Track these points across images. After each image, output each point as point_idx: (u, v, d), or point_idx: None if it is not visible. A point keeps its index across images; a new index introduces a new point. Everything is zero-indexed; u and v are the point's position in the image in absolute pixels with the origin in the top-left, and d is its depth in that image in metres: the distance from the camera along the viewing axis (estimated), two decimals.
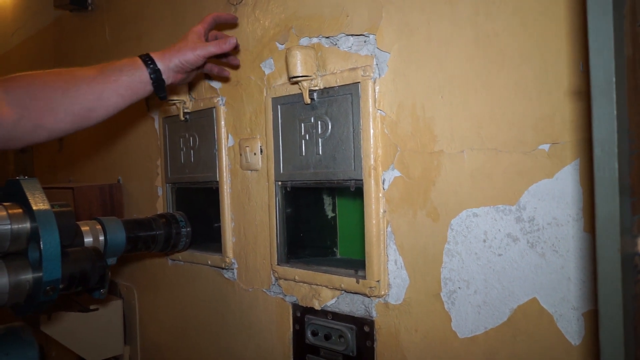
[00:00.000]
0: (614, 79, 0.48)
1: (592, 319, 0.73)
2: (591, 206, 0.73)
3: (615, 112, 0.48)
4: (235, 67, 1.24)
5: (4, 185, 0.95)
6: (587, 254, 0.74)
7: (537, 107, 0.77)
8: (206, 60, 1.10)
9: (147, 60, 1.02)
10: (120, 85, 0.99)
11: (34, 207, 0.88)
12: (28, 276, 0.88)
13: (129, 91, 1.00)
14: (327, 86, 1.04)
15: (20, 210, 0.89)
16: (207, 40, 1.11)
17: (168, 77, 1.04)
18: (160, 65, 1.02)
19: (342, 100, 1.02)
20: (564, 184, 0.75)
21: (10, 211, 0.88)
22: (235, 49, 1.19)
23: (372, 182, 0.97)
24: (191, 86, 1.39)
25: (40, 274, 0.87)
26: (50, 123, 0.95)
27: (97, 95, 0.98)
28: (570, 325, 0.76)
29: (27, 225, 0.88)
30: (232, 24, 1.23)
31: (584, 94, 0.71)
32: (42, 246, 0.86)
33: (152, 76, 1.01)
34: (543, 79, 0.77)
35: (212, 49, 1.07)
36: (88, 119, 0.99)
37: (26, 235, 0.88)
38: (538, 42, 0.77)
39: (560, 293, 0.77)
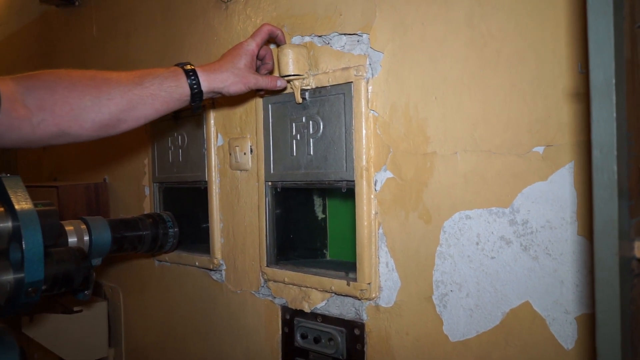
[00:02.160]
0: (613, 81, 0.47)
1: (586, 323, 0.73)
2: (586, 209, 0.72)
3: (614, 114, 0.47)
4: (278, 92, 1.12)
5: None
6: (581, 258, 0.73)
7: (532, 109, 0.77)
8: None
9: (192, 77, 0.94)
10: (157, 99, 0.91)
11: (17, 206, 0.86)
12: (9, 277, 0.85)
13: (164, 106, 0.93)
14: (319, 86, 1.03)
15: (1, 209, 0.86)
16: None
17: (207, 97, 0.97)
18: (203, 86, 0.94)
19: (334, 100, 1.01)
20: (558, 186, 0.75)
21: None
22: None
23: (364, 183, 0.96)
24: None
25: (22, 275, 0.84)
26: (74, 130, 0.87)
27: (131, 107, 0.90)
28: (563, 329, 0.75)
29: (9, 224, 0.85)
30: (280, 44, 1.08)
31: (580, 96, 0.71)
32: (24, 246, 0.84)
33: (192, 100, 0.95)
34: (538, 81, 0.76)
35: (264, 85, 1.01)
36: (115, 129, 0.91)
37: (7, 235, 0.86)
38: (534, 44, 0.76)
39: (553, 297, 0.76)
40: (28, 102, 0.83)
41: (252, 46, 0.99)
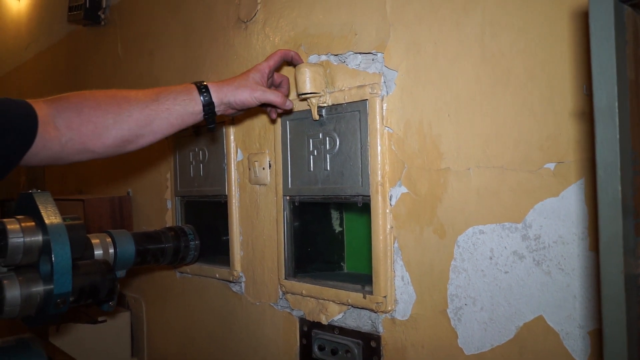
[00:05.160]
0: (616, 103, 0.49)
1: (598, 337, 0.73)
2: (596, 226, 0.73)
3: (617, 135, 0.49)
4: (289, 112, 1.15)
5: (17, 198, 0.97)
6: (593, 273, 0.74)
7: (542, 126, 0.78)
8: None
9: (203, 91, 0.98)
10: (172, 113, 0.96)
11: (46, 221, 0.90)
12: (39, 289, 0.89)
13: (179, 120, 0.97)
14: (336, 103, 1.05)
15: (32, 224, 0.91)
16: (270, 78, 1.06)
17: (219, 111, 1.00)
18: (215, 98, 0.98)
19: (350, 117, 1.04)
20: (569, 202, 0.76)
21: (23, 224, 0.90)
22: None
23: (380, 198, 0.98)
24: None
25: (51, 287, 0.88)
26: (97, 147, 0.93)
27: (148, 122, 0.95)
28: (576, 344, 0.76)
29: (40, 238, 0.90)
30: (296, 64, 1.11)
31: (588, 115, 0.72)
32: (53, 259, 0.87)
33: (205, 109, 0.98)
34: (548, 99, 0.78)
35: (271, 98, 1.01)
36: (134, 144, 0.97)
37: (38, 248, 0.90)
38: (543, 63, 0.78)
39: (566, 311, 0.77)
40: (58, 123, 0.89)
41: (264, 65, 1.03)
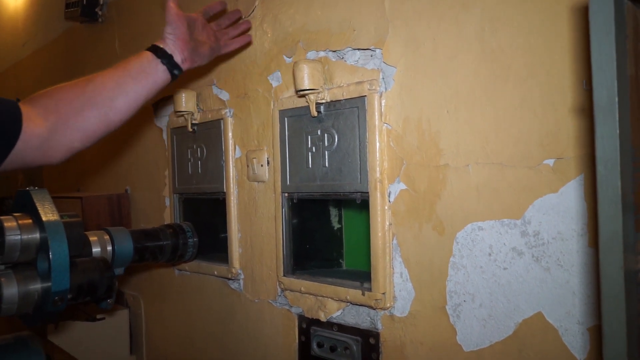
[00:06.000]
0: (616, 98, 0.49)
1: (597, 334, 0.73)
2: (595, 222, 0.73)
3: (617, 130, 0.49)
4: (246, 30, 1.25)
5: (15, 196, 0.96)
6: (592, 269, 0.74)
7: (542, 122, 0.78)
8: (217, 38, 1.17)
9: (154, 47, 1.06)
10: (132, 69, 1.02)
11: (44, 218, 0.89)
12: (37, 286, 0.89)
13: (142, 74, 1.03)
14: (334, 99, 1.05)
15: (29, 221, 0.90)
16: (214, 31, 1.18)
17: (172, 50, 1.06)
18: (158, 43, 1.06)
19: (348, 114, 1.03)
20: (568, 198, 0.76)
21: (20, 222, 0.89)
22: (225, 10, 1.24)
23: (378, 194, 0.98)
24: (199, 98, 1.41)
25: (49, 285, 0.88)
26: (79, 122, 0.98)
27: (114, 84, 1.00)
28: (575, 340, 0.76)
29: (37, 235, 0.89)
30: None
31: (587, 111, 0.72)
32: (51, 257, 0.87)
33: (154, 52, 1.04)
34: (548, 95, 0.77)
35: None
36: (113, 110, 1.00)
37: (35, 246, 0.89)
38: (543, 59, 0.78)
39: (565, 308, 0.77)
40: (39, 112, 0.95)
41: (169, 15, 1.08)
